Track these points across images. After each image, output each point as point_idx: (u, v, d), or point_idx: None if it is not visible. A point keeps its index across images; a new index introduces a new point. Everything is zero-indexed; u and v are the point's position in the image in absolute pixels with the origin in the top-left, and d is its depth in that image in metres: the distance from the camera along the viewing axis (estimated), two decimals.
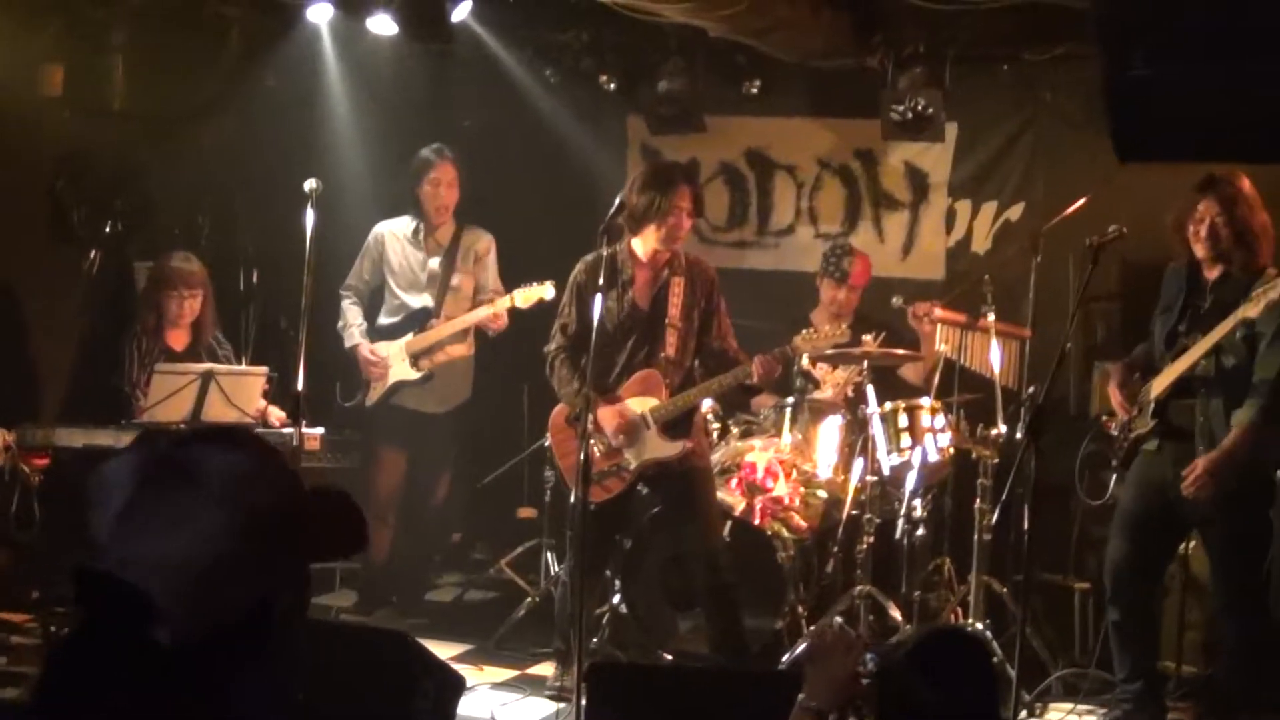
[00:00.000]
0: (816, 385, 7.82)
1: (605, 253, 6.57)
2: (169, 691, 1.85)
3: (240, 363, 8.00)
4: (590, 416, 6.15)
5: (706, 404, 7.26)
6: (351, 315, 8.25)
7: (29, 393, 8.03)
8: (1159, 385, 6.39)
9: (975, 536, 7.03)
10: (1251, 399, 6.15)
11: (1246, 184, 6.26)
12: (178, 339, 7.64)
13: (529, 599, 7.89)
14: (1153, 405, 6.40)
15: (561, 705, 6.61)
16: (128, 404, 7.36)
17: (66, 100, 8.15)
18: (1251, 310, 5.96)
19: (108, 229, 8.40)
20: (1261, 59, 3.11)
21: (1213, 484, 6.13)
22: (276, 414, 7.39)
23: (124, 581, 1.81)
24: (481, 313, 8.01)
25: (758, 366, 6.56)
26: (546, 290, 7.59)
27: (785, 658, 6.89)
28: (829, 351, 7.12)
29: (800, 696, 3.33)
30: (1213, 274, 6.35)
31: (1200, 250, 6.33)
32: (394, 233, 8.29)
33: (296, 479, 1.99)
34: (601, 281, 6.33)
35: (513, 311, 7.91)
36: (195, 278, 7.63)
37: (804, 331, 6.77)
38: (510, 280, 8.20)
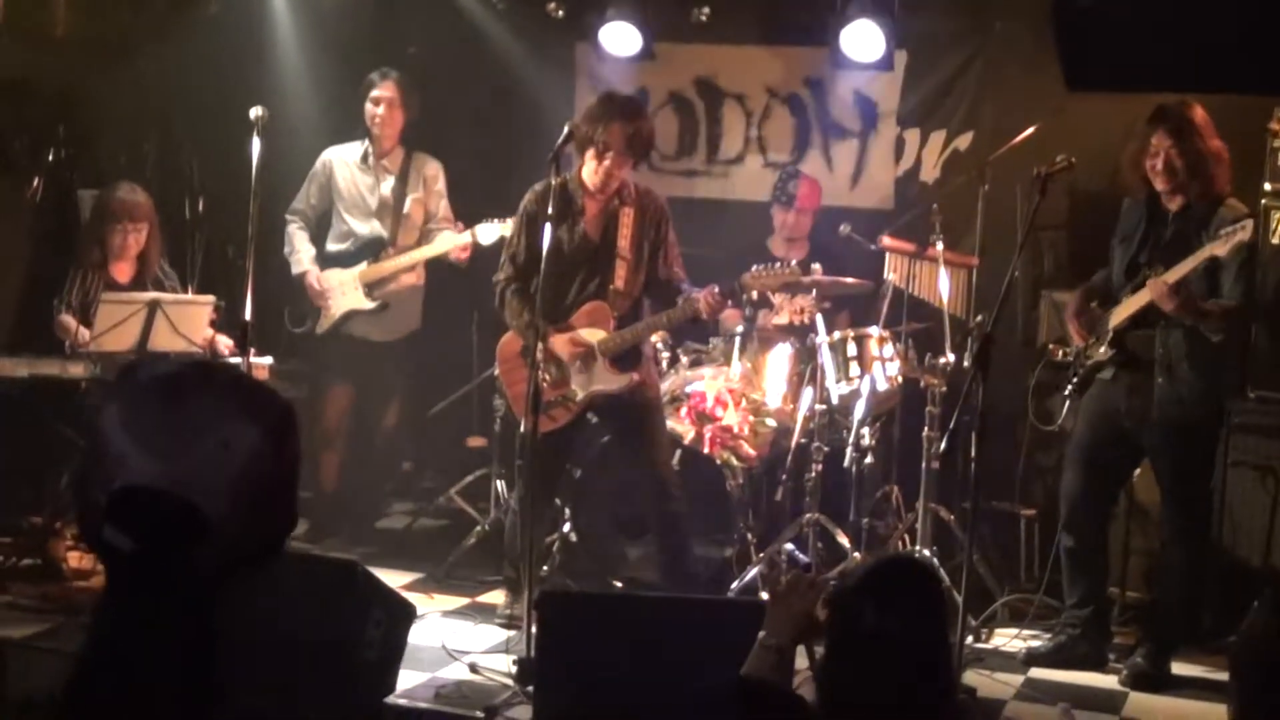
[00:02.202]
0: (770, 307, 7.77)
1: (555, 181, 6.48)
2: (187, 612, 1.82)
3: (187, 292, 7.91)
4: (541, 346, 6.14)
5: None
6: (298, 241, 8.17)
7: None
8: (1119, 315, 6.41)
9: (923, 464, 7.07)
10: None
11: (1198, 112, 6.24)
12: (123, 271, 7.53)
13: (479, 527, 7.88)
14: (1110, 334, 6.44)
15: (512, 633, 6.62)
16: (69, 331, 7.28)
17: (7, 26, 8.03)
18: (1220, 249, 5.95)
19: (50, 157, 8.31)
20: None
21: (1175, 304, 6.12)
22: (224, 343, 7.33)
23: (181, 500, 1.76)
24: (448, 243, 7.95)
25: (705, 303, 6.54)
26: (508, 228, 7.44)
27: (734, 585, 6.94)
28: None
29: (761, 634, 3.36)
30: (1173, 204, 6.36)
31: (1160, 184, 6.33)
32: (343, 158, 8.21)
33: (275, 394, 1.96)
34: (551, 210, 6.28)
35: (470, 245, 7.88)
36: (140, 209, 7.49)
37: (754, 268, 6.72)
38: (456, 207, 8.18)
